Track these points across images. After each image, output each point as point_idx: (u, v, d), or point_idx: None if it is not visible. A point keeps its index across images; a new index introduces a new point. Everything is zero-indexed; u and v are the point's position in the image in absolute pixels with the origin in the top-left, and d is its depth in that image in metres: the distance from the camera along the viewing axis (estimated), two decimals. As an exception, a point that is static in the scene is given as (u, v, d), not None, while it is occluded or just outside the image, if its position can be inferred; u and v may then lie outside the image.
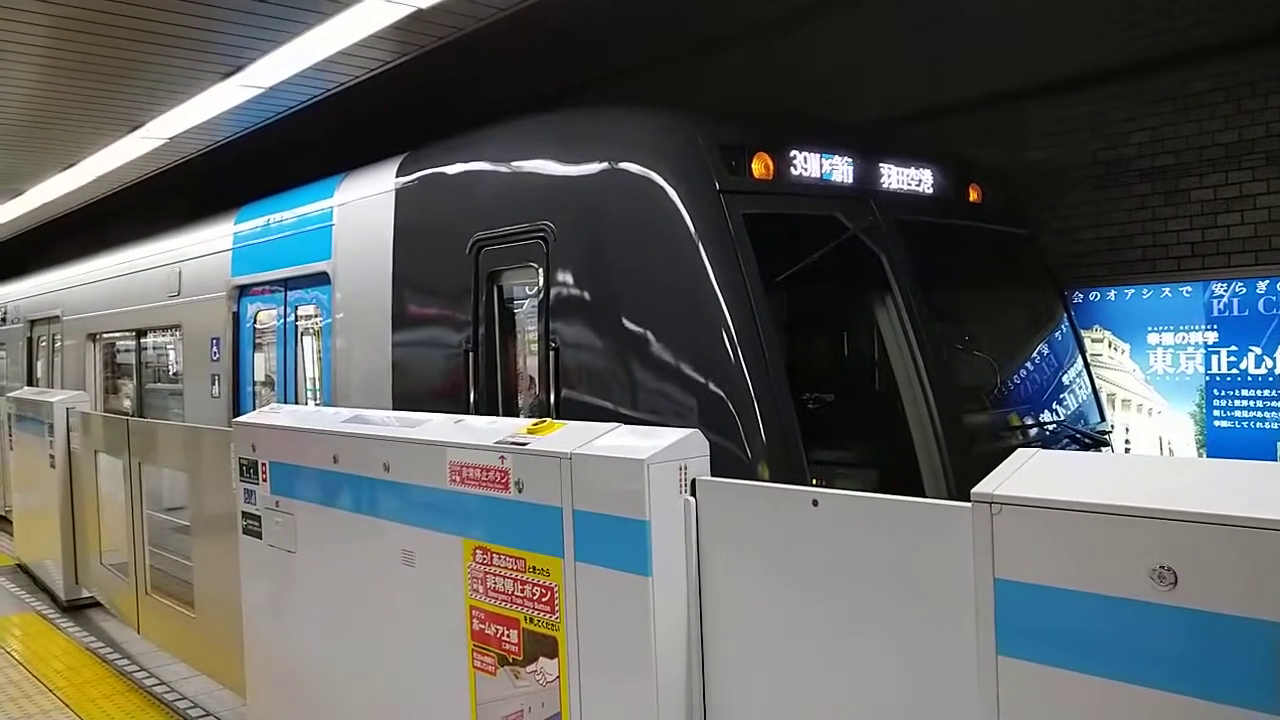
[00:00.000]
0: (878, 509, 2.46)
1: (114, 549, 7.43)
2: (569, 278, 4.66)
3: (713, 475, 2.90)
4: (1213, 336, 6.44)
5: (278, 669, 4.62)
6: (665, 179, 4.40)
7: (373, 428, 4.04)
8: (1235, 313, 6.36)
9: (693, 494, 2.84)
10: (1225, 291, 6.41)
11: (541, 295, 4.75)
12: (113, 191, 12.03)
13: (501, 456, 3.21)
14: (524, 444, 3.18)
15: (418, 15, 5.93)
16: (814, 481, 4.06)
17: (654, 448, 2.83)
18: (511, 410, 5.14)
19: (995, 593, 2.06)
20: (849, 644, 2.49)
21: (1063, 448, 5.27)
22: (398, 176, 6.11)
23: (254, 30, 6.26)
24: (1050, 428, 5.53)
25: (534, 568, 3.10)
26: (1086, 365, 6.01)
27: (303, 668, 4.38)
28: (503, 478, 3.20)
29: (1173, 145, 6.76)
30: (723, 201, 4.32)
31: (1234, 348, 6.38)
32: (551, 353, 4.63)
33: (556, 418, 4.09)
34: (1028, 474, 2.12)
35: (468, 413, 5.04)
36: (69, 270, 12.41)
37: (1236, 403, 6.34)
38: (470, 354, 5.20)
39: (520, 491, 3.14)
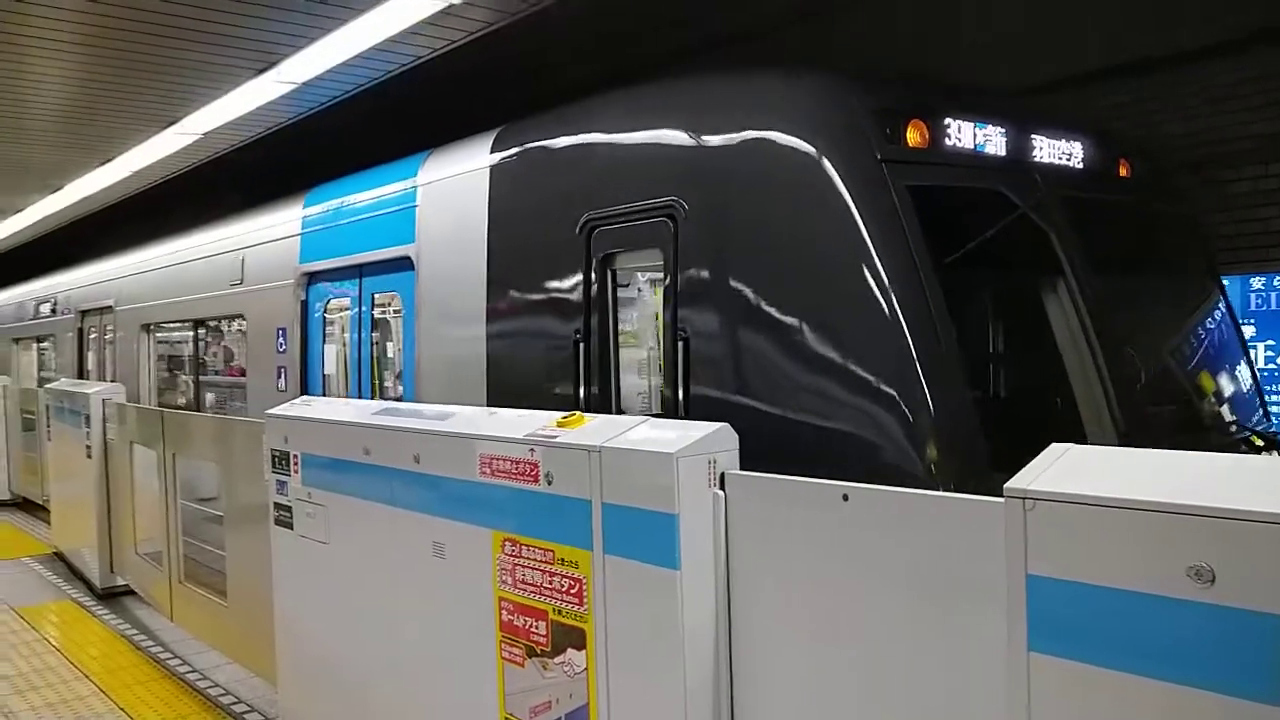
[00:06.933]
0: (909, 504, 2.45)
1: (148, 538, 7.54)
2: (702, 260, 4.20)
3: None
4: (1250, 331, 6.34)
5: (308, 658, 4.68)
6: (819, 147, 3.90)
7: (403, 420, 4.07)
8: (1272, 307, 6.26)
9: (722, 488, 2.85)
10: (1263, 285, 6.31)
11: (668, 280, 4.31)
12: (148, 186, 12.13)
13: (531, 449, 3.23)
14: (553, 437, 3.20)
15: (448, 11, 5.95)
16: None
17: (683, 441, 2.83)
18: (628, 408, 4.76)
19: (1027, 589, 2.04)
20: (878, 639, 2.48)
21: (1237, 449, 4.73)
22: (493, 152, 5.63)
23: (286, 26, 6.31)
24: (1230, 427, 4.91)
25: (563, 560, 3.12)
26: (1248, 359, 5.38)
27: (333, 657, 4.43)
28: (532, 470, 3.22)
29: (1208, 138, 6.65)
30: (885, 172, 3.83)
31: (1271, 342, 6.28)
32: (680, 344, 4.19)
33: (685, 417, 3.89)
34: (1062, 469, 2.10)
35: (578, 410, 4.57)
36: (124, 259, 11.94)
37: (1273, 398, 6.24)
38: (581, 345, 4.76)
39: (550, 484, 3.16)
